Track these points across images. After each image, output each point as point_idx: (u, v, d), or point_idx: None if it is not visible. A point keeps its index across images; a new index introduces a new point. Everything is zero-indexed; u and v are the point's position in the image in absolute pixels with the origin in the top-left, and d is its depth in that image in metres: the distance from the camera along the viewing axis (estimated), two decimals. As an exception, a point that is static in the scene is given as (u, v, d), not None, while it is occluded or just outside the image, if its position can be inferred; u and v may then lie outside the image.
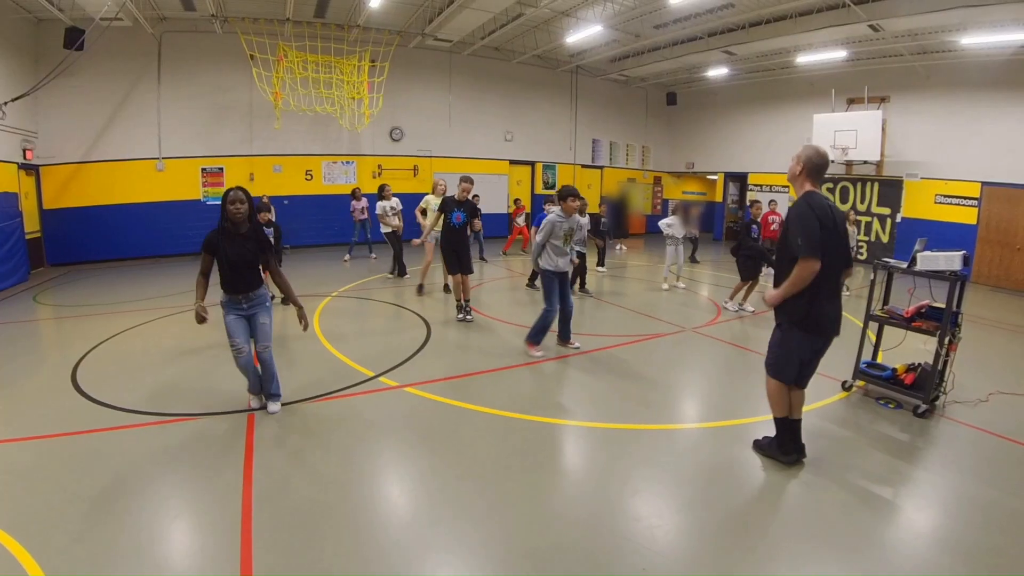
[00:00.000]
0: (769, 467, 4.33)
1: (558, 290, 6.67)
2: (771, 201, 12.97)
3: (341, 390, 5.50)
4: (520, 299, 10.07)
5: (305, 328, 4.75)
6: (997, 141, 13.10)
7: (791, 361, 4.04)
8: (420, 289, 9.88)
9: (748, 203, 9.60)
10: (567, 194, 6.56)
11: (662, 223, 11.35)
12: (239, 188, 4.56)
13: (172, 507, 3.53)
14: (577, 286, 10.61)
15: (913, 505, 3.82)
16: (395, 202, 11.39)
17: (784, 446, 4.22)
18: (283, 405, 5.06)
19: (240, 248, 4.47)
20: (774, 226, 12.36)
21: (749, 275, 9.20)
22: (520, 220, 16.15)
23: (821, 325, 3.90)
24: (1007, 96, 13.02)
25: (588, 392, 5.78)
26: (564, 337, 7.05)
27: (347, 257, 13.86)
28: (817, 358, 4.15)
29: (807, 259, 3.65)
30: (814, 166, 3.89)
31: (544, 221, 6.59)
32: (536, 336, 6.77)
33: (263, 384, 4.92)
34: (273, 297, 8.86)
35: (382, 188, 11.52)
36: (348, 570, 2.99)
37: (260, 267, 4.72)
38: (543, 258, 6.61)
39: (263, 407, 4.94)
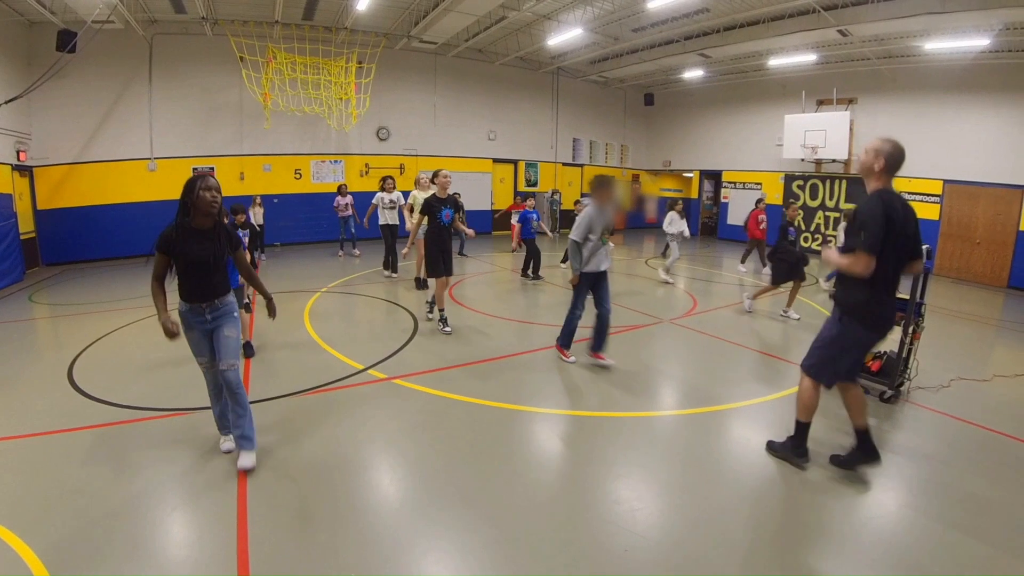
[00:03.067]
0: (743, 452, 4.41)
1: (591, 292, 5.99)
2: (759, 200, 12.91)
3: (331, 383, 5.49)
4: (502, 292, 10.10)
5: (273, 316, 4.09)
6: (958, 141, 13.31)
7: (838, 360, 3.81)
8: (420, 283, 9.71)
9: (785, 203, 8.75)
10: (602, 185, 5.86)
11: (666, 225, 11.13)
12: (213, 176, 3.83)
13: (169, 501, 3.50)
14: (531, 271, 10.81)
15: (880, 484, 3.88)
16: (396, 195, 10.96)
17: (799, 448, 4.01)
18: (275, 399, 5.05)
19: (204, 246, 3.68)
20: (763, 225, 12.32)
21: (781, 279, 8.29)
22: (515, 218, 14.53)
23: (877, 320, 3.68)
24: (968, 99, 13.25)
25: (570, 381, 5.80)
26: (596, 347, 6.15)
27: (340, 253, 13.85)
28: (865, 353, 4.02)
29: (863, 254, 3.44)
30: (895, 162, 3.64)
31: (580, 217, 5.82)
32: (565, 340, 6.21)
33: (232, 417, 3.88)
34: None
35: (384, 180, 11.13)
36: (343, 557, 3.00)
37: (229, 268, 3.97)
38: (574, 259, 5.88)
39: (236, 448, 3.94)
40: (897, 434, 4.77)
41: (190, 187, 3.63)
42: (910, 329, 5.22)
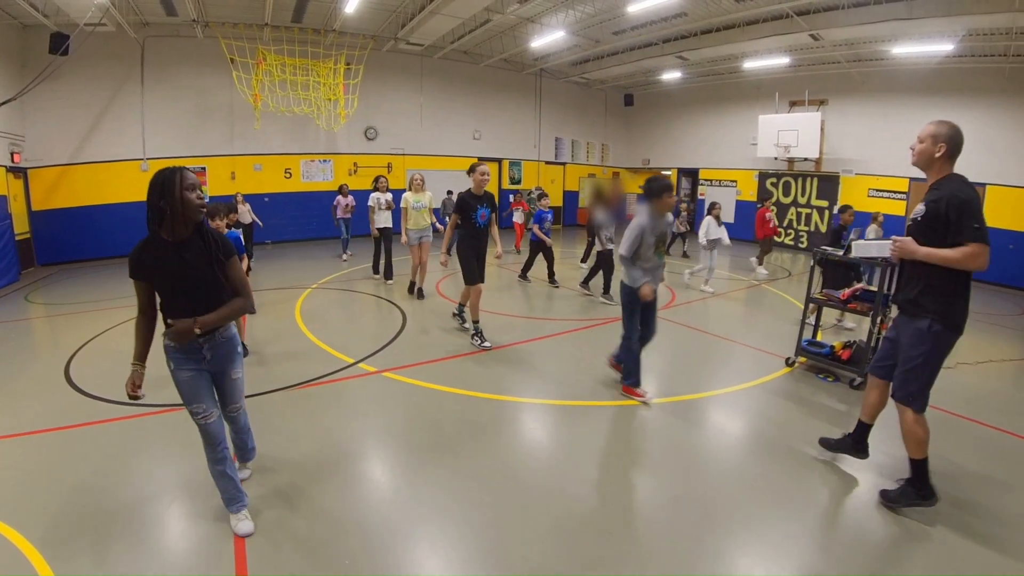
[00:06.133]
0: (721, 439, 4.47)
1: (641, 312, 4.95)
2: (766, 200, 12.78)
3: (323, 376, 5.48)
4: (495, 288, 10.04)
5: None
6: (923, 140, 13.47)
7: (934, 377, 3.25)
8: (418, 292, 9.05)
9: (838, 208, 8.05)
10: (662, 189, 4.82)
11: (703, 234, 9.94)
12: (188, 170, 2.74)
13: (168, 496, 3.49)
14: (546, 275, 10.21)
15: (849, 466, 3.95)
16: (389, 196, 9.78)
17: (924, 490, 3.33)
18: (270, 393, 5.02)
19: (191, 262, 2.73)
20: (772, 224, 12.20)
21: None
22: (517, 215, 14.16)
23: (963, 322, 3.19)
24: (933, 100, 13.41)
25: (554, 372, 5.83)
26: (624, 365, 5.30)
27: (344, 253, 12.75)
28: None
29: (981, 245, 2.94)
30: (956, 145, 3.20)
31: (630, 227, 4.80)
32: (633, 377, 5.07)
33: (236, 444, 3.39)
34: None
35: (377, 179, 9.97)
36: (339, 546, 3.01)
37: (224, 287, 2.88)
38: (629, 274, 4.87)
39: (250, 533, 3.03)
40: (866, 420, 4.85)
41: (166, 188, 2.63)
42: (878, 319, 5.31)
